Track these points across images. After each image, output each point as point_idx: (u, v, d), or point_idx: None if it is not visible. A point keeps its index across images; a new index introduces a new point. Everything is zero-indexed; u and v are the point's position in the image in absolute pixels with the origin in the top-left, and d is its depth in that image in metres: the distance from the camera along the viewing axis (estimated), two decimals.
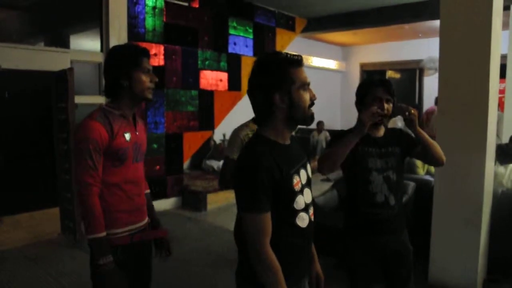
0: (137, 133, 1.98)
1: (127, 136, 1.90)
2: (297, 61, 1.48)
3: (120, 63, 1.87)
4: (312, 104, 1.52)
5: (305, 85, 1.49)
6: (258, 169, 1.41)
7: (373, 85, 2.22)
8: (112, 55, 1.92)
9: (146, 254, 2.08)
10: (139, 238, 1.97)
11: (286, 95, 1.45)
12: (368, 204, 2.21)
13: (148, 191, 2.18)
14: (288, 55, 1.48)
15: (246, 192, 1.45)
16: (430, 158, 2.22)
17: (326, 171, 2.12)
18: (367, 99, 2.21)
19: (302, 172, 1.58)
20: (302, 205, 1.55)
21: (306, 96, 1.49)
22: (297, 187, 1.52)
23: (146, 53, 1.93)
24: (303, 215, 1.56)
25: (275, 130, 1.52)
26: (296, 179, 1.52)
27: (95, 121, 1.82)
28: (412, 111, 2.08)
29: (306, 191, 1.58)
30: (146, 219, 2.06)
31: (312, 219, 1.62)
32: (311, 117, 1.53)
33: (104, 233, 1.81)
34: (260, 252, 1.43)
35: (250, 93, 1.53)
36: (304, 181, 1.57)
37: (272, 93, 1.45)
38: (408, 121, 2.10)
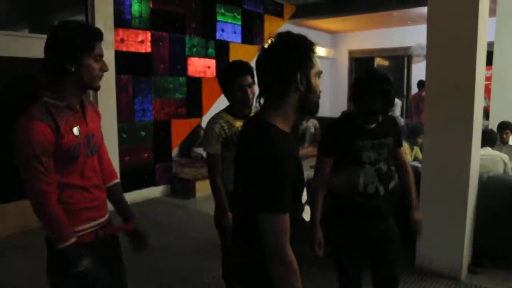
0: (87, 125, 1.75)
1: (75, 130, 1.67)
2: (315, 48, 1.42)
3: (71, 44, 1.59)
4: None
5: (320, 73, 1.43)
6: (284, 162, 1.31)
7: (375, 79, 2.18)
8: (62, 32, 1.63)
9: (114, 248, 1.94)
10: (102, 234, 1.83)
11: (305, 77, 1.37)
12: (359, 195, 2.23)
13: (117, 180, 2.01)
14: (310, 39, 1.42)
15: (269, 189, 1.30)
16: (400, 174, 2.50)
17: None
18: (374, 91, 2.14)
19: None
20: (306, 198, 1.52)
21: (319, 84, 1.43)
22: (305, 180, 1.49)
23: (100, 36, 1.67)
24: (307, 207, 1.53)
25: (283, 116, 1.41)
26: (303, 172, 1.46)
27: (36, 120, 1.56)
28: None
29: None
30: (107, 215, 1.90)
31: None
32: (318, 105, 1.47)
33: (74, 239, 1.66)
34: (284, 254, 1.31)
35: (264, 71, 1.42)
36: None
37: (294, 71, 1.36)
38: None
